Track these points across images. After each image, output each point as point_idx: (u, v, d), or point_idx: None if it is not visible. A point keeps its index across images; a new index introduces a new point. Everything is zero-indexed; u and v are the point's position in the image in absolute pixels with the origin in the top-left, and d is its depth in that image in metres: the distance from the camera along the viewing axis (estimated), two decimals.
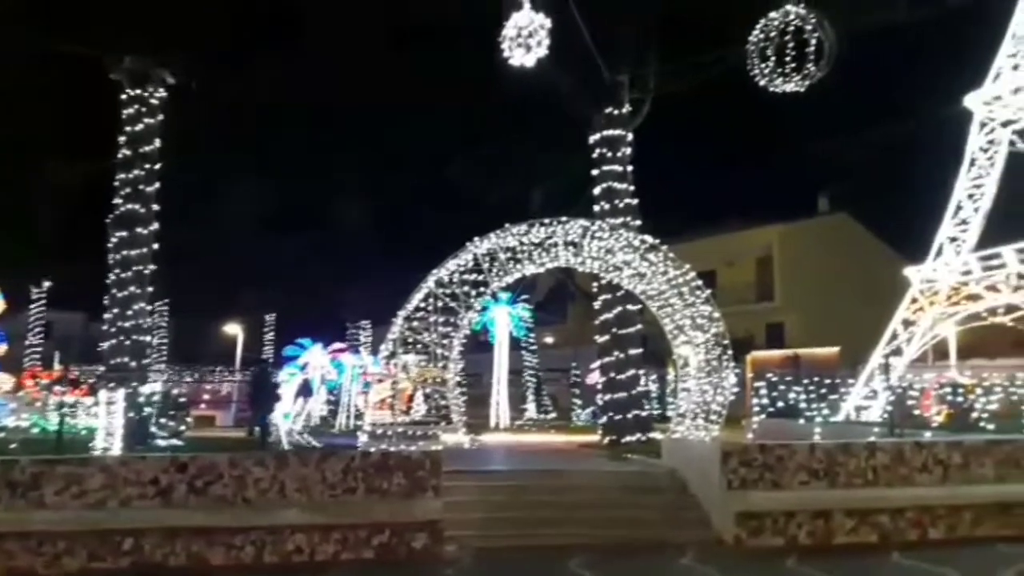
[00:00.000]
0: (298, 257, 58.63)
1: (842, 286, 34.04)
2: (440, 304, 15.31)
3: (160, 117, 20.73)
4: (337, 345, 25.82)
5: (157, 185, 20.59)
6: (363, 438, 14.40)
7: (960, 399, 16.63)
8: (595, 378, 21.59)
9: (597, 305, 19.95)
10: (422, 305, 15.26)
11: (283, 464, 10.92)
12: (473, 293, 15.54)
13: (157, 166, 20.57)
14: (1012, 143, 21.54)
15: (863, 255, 36.47)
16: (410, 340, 15.23)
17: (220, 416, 29.02)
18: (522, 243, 15.78)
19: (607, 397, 19.18)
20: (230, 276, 45.79)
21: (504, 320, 28.46)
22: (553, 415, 31.00)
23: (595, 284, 20.18)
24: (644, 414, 18.61)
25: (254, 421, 17.18)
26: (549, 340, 40.89)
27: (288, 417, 16.75)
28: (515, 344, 30.43)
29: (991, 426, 15.17)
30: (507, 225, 15.51)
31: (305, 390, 19.65)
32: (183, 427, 13.86)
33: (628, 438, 17.94)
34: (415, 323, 15.18)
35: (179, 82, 20.84)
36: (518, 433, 25.07)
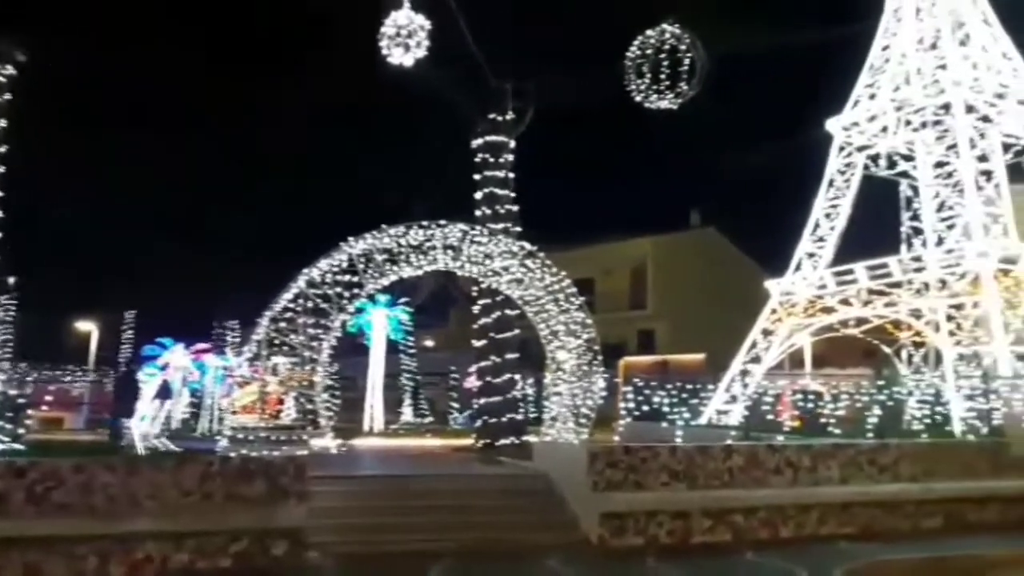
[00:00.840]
0: (164, 252, 56.00)
1: (710, 296, 35.49)
2: (310, 305, 14.92)
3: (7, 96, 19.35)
4: (200, 345, 24.70)
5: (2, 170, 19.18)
6: (223, 442, 13.84)
7: (811, 405, 17.68)
8: (473, 382, 21.64)
9: (476, 309, 20.00)
10: (291, 305, 14.82)
11: (135, 469, 10.37)
12: (346, 294, 15.25)
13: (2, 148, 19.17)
14: (867, 167, 23.07)
15: (730, 267, 38.18)
16: (277, 342, 14.76)
17: (70, 419, 27.22)
18: (399, 245, 15.64)
19: (483, 401, 19.25)
20: (87, 270, 43.26)
21: (381, 323, 28.10)
22: (430, 419, 30.84)
23: (474, 289, 20.23)
24: (519, 418, 18.78)
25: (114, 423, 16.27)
26: (429, 343, 40.71)
27: (144, 419, 15.89)
28: (393, 347, 30.09)
29: (838, 431, 16.19)
30: (384, 226, 15.33)
31: (164, 392, 18.71)
32: (22, 430, 12.88)
33: (502, 441, 18.05)
34: (282, 324, 14.73)
35: (29, 61, 19.49)
36: (393, 438, 24.78)
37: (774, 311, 22.70)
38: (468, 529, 11.58)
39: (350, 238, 15.41)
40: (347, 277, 15.35)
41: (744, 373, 20.69)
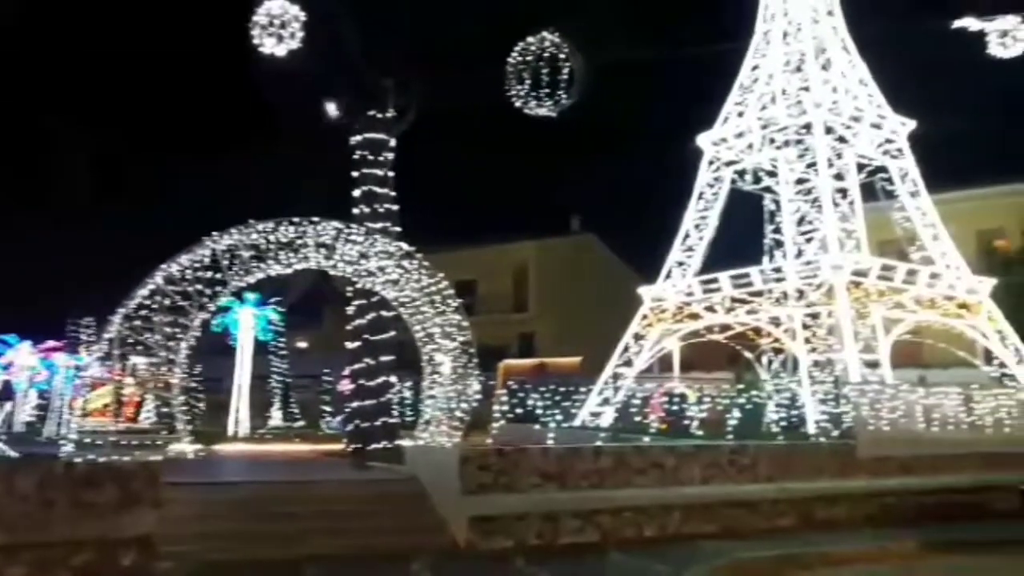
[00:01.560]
0: (11, 243, 51.89)
1: (590, 301, 36.28)
2: (167, 303, 14.12)
3: None
4: (49, 343, 23.01)
5: None
6: (68, 447, 12.88)
7: (676, 408, 18.28)
8: (346, 385, 21.11)
9: (350, 310, 19.52)
10: (146, 303, 13.97)
11: None
12: (208, 292, 14.52)
13: None
14: (734, 181, 24.11)
15: (608, 273, 39.16)
16: (131, 340, 13.88)
17: None
18: (268, 241, 15.05)
19: (355, 404, 18.79)
20: None
21: (248, 322, 27.04)
22: (301, 423, 29.93)
23: (349, 289, 19.76)
24: (392, 421, 18.45)
25: None
26: (302, 345, 39.60)
27: None
28: (263, 348, 29.04)
29: (701, 432, 16.79)
30: (251, 221, 14.72)
31: (6, 393, 17.30)
32: None
33: (374, 446, 17.66)
34: (137, 322, 13.86)
35: None
36: (260, 443, 23.88)
37: (645, 316, 23.35)
38: (334, 535, 11.26)
39: (215, 233, 14.70)
40: (210, 274, 14.62)
41: (616, 376, 21.15)
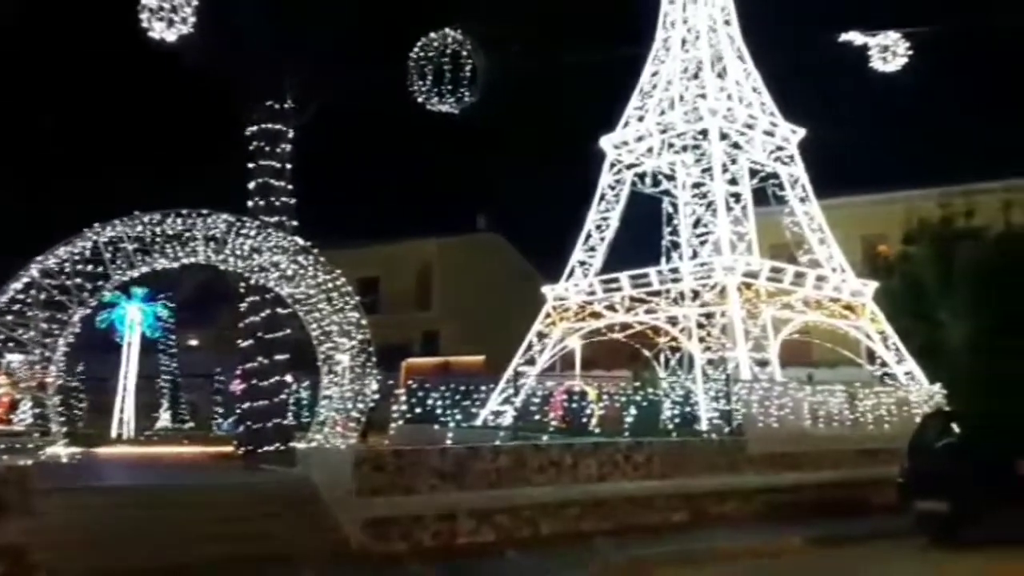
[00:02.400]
0: None
1: (494, 299, 36.31)
2: (43, 297, 13.25)
3: None
4: None
5: None
6: None
7: (576, 406, 18.46)
8: (238, 385, 20.37)
9: (243, 307, 18.85)
10: (20, 297, 13.08)
11: None
12: (89, 286, 13.70)
13: None
14: (634, 183, 24.56)
15: (513, 272, 39.32)
16: (2, 337, 12.95)
17: None
18: (154, 234, 14.32)
19: (247, 405, 18.15)
20: None
21: (136, 319, 25.78)
22: (190, 425, 28.75)
23: (242, 285, 19.07)
24: (285, 423, 17.91)
25: None
26: (193, 342, 38.06)
27: None
28: (152, 346, 27.75)
29: (598, 430, 17.00)
30: (137, 213, 13.99)
31: None
32: None
33: (266, 448, 17.11)
34: (10, 318, 12.95)
35: None
36: (146, 445, 22.82)
37: (548, 315, 23.52)
38: (222, 541, 10.78)
39: (96, 224, 13.90)
40: (91, 267, 13.80)
41: (519, 375, 21.20)
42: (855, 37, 16.57)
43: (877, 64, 16.64)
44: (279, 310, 18.36)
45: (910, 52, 16.46)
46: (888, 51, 16.40)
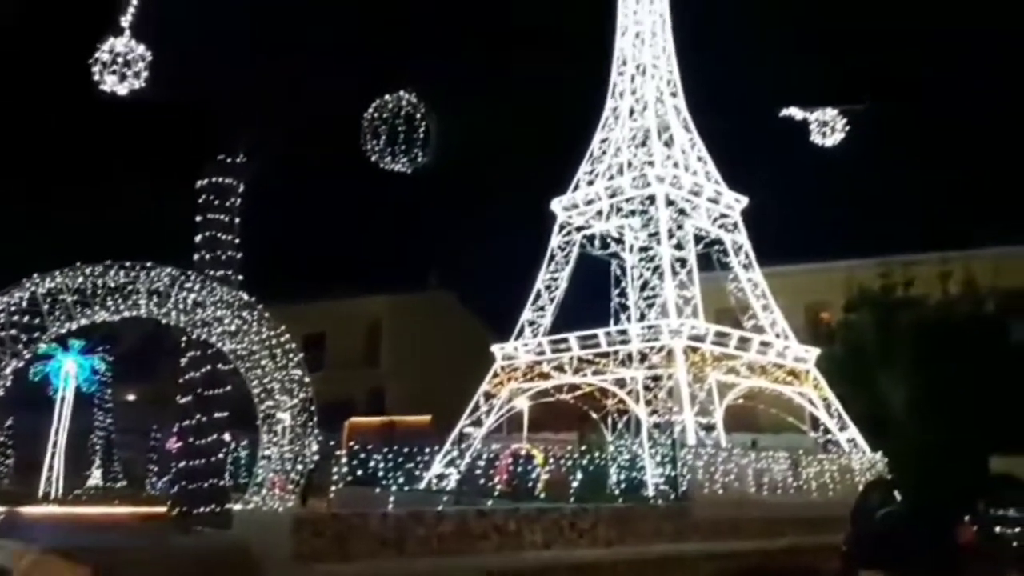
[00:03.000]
0: None
1: (443, 358, 35.96)
2: None
3: None
4: None
5: None
6: None
7: (522, 469, 18.25)
8: (175, 443, 19.70)
9: (184, 362, 18.37)
10: None
11: None
12: (24, 338, 13.23)
13: None
14: (583, 245, 24.90)
15: (463, 331, 39.06)
16: None
17: None
18: (96, 286, 13.96)
19: (183, 464, 17.54)
20: None
21: (72, 371, 24.89)
22: (123, 483, 27.60)
23: (183, 339, 18.62)
24: (221, 483, 17.31)
25: None
26: (130, 398, 36.77)
27: None
28: (86, 400, 26.75)
29: (544, 495, 16.79)
30: (78, 263, 13.65)
31: None
32: None
33: (201, 509, 16.48)
34: None
35: None
36: (75, 504, 21.80)
37: (496, 375, 23.42)
38: None
39: (35, 274, 13.51)
40: (27, 319, 13.34)
41: (464, 436, 20.97)
42: (796, 112, 17.24)
43: (817, 139, 17.32)
44: (220, 366, 17.94)
45: (848, 128, 17.18)
46: (827, 126, 17.08)
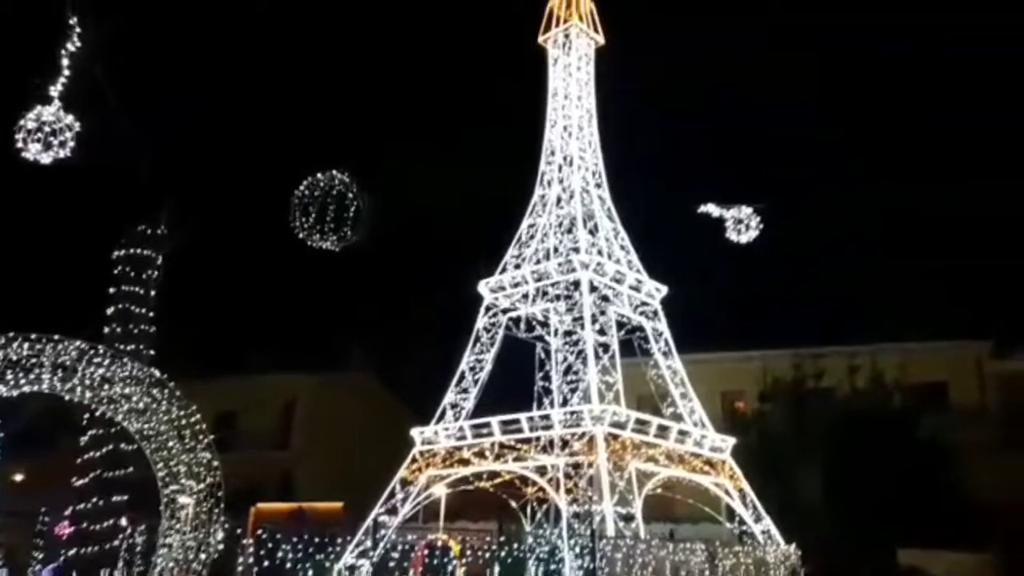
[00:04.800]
0: None
1: (361, 441, 35.00)
2: None
3: None
4: None
5: None
6: None
7: (437, 561, 17.64)
8: (66, 528, 18.43)
9: (84, 441, 17.43)
10: None
11: None
12: None
13: None
14: (509, 328, 24.96)
15: (384, 413, 38.15)
16: None
17: None
18: None
19: (74, 551, 16.42)
20: None
21: None
22: (3, 572, 25.46)
23: (86, 416, 17.71)
24: (116, 573, 16.25)
25: None
26: (18, 477, 34.31)
27: None
28: None
29: None
30: None
31: None
32: None
33: None
34: None
35: None
36: None
37: (415, 460, 22.87)
38: None
39: None
40: None
41: (378, 525, 20.21)
42: (712, 209, 17.95)
43: (732, 235, 18.02)
44: (124, 446, 17.09)
45: (761, 226, 17.97)
46: (742, 224, 17.82)
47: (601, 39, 27.51)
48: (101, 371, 14.72)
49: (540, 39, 27.32)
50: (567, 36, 27.03)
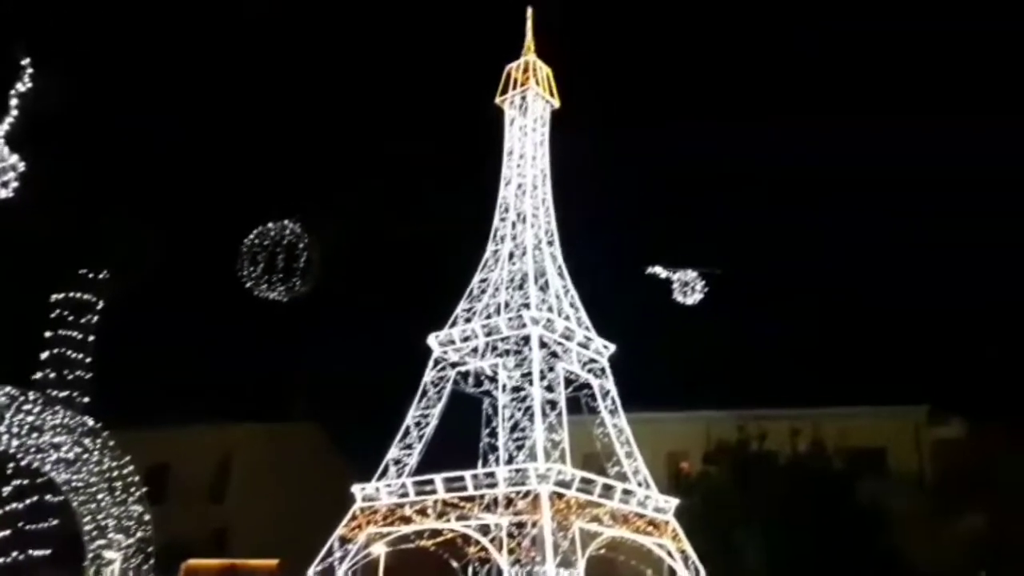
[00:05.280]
0: None
1: (300, 494, 34.05)
2: None
3: None
4: None
5: None
6: None
7: None
8: None
9: (6, 491, 16.69)
10: None
11: None
12: None
13: None
14: (457, 382, 24.80)
15: (324, 467, 37.20)
16: None
17: None
18: None
19: None
20: None
21: None
22: None
23: (10, 466, 16.98)
24: None
25: None
26: None
27: None
28: None
29: None
30: None
31: None
32: None
33: None
34: None
35: None
36: None
37: (355, 517, 22.36)
38: None
39: None
40: None
41: None
42: (659, 271, 18.29)
43: (679, 297, 18.37)
44: (49, 497, 16.40)
45: (707, 289, 18.36)
46: (688, 286, 18.19)
47: (557, 103, 28.17)
48: (31, 418, 14.19)
49: (497, 100, 27.83)
50: (524, 99, 27.59)
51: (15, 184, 14.74)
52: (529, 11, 28.58)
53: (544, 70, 28.23)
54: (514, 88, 27.81)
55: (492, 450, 24.32)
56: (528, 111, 27.55)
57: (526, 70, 27.86)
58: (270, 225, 17.92)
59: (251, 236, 17.88)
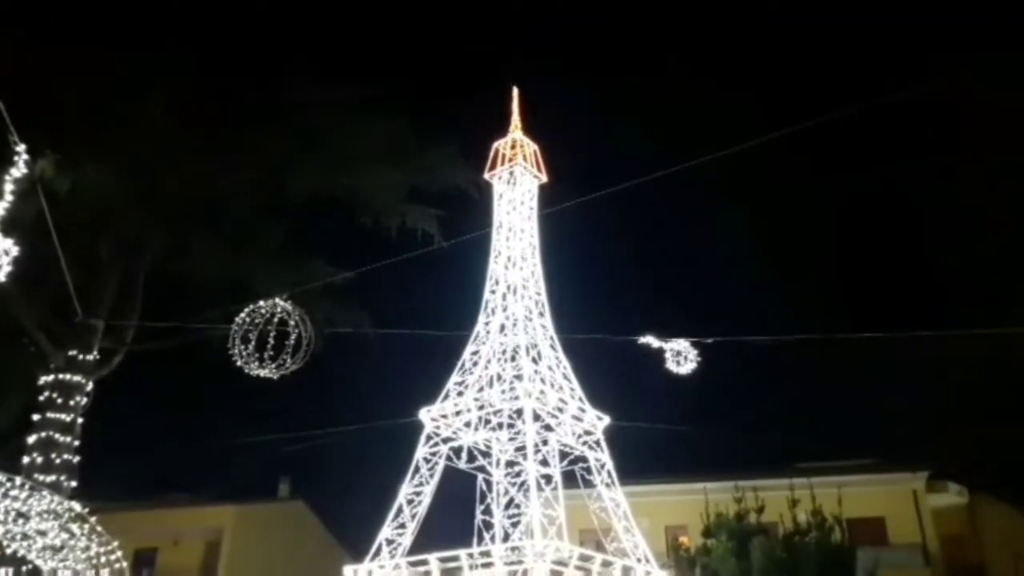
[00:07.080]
0: None
1: None
2: None
3: None
4: None
5: None
6: None
7: None
8: None
9: None
10: None
11: None
12: None
13: None
14: (450, 458, 24.54)
15: (316, 547, 36.59)
16: None
17: None
18: None
19: None
20: None
21: None
22: None
23: None
24: None
25: None
26: None
27: None
28: None
29: None
30: None
31: None
32: None
33: None
34: None
35: None
36: None
37: None
38: None
39: None
40: None
41: None
42: (651, 340, 18.36)
43: (671, 366, 18.35)
44: None
45: (699, 359, 18.36)
46: (680, 356, 18.23)
47: (544, 178, 28.78)
48: (17, 505, 13.90)
49: (486, 175, 28.40)
50: (512, 174, 28.20)
51: (8, 268, 14.75)
52: (516, 90, 29.59)
53: (531, 147, 28.96)
54: (502, 164, 28.45)
55: (487, 527, 23.91)
56: (516, 185, 28.10)
57: (513, 147, 28.58)
58: (261, 303, 17.92)
59: (240, 316, 17.85)
